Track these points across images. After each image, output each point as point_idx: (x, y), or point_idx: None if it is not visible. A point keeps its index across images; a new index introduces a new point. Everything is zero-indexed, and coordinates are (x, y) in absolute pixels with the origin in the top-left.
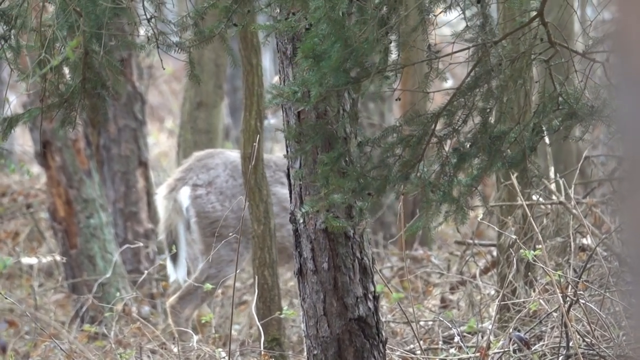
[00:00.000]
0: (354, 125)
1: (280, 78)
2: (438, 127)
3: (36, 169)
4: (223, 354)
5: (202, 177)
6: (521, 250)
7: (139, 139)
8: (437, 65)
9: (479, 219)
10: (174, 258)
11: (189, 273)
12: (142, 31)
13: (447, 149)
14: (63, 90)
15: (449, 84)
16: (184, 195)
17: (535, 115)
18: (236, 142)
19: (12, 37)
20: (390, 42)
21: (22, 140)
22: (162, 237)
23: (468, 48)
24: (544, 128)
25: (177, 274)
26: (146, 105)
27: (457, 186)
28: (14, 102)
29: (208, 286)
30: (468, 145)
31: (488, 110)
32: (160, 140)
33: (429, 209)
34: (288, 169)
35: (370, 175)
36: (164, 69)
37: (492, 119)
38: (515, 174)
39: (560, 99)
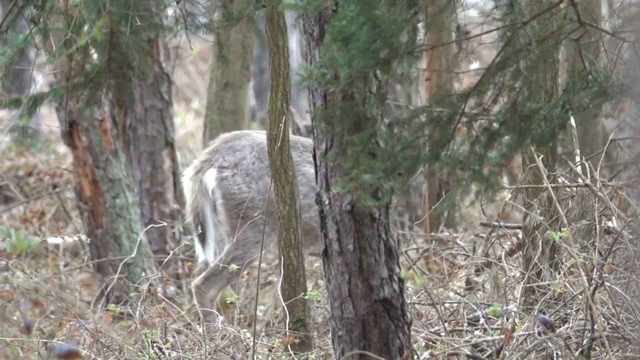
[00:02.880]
0: (380, 107)
1: (307, 59)
2: (467, 107)
3: (62, 148)
4: (248, 335)
5: (228, 158)
6: (547, 232)
7: (165, 119)
8: (466, 45)
9: (507, 200)
10: (202, 239)
11: (215, 254)
12: (169, 12)
13: (476, 128)
14: (89, 70)
15: (475, 65)
16: (210, 177)
17: (565, 94)
18: (262, 124)
19: (41, 20)
20: (419, 22)
21: (49, 120)
22: (189, 218)
23: (497, 29)
24: (573, 106)
25: (205, 255)
26: (173, 85)
27: (486, 164)
28: (40, 82)
29: (234, 267)
30: (498, 125)
31: (518, 89)
32: (186, 121)
33: (459, 187)
34: (314, 150)
35: (401, 155)
36: (192, 50)
37: (521, 99)
38: (542, 156)
39: (590, 77)
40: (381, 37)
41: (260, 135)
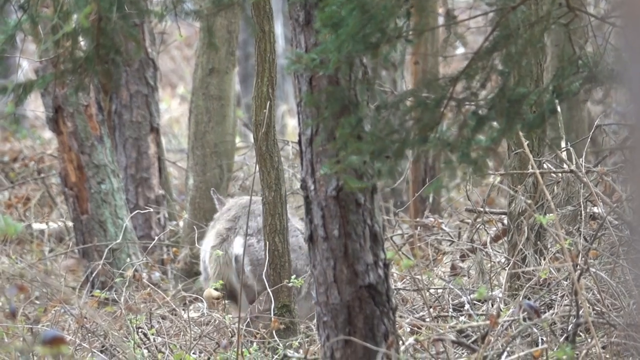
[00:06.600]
0: (364, 91)
1: (292, 45)
2: (456, 90)
3: (48, 134)
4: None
5: (251, 224)
6: (533, 217)
7: (150, 105)
8: (455, 30)
9: (495, 182)
10: (234, 299)
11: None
12: None
13: (464, 112)
14: (77, 57)
15: (462, 50)
16: (237, 245)
17: (555, 79)
18: (246, 110)
19: (31, 6)
20: (412, 7)
21: (34, 106)
22: (214, 284)
23: (485, 14)
24: (563, 91)
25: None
26: (158, 71)
27: (475, 147)
28: (26, 68)
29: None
30: (487, 110)
31: (506, 74)
32: (172, 107)
33: (447, 169)
34: (299, 136)
35: (389, 138)
36: (181, 36)
37: (510, 83)
38: (527, 142)
39: (580, 62)
40: (371, 22)
41: None
